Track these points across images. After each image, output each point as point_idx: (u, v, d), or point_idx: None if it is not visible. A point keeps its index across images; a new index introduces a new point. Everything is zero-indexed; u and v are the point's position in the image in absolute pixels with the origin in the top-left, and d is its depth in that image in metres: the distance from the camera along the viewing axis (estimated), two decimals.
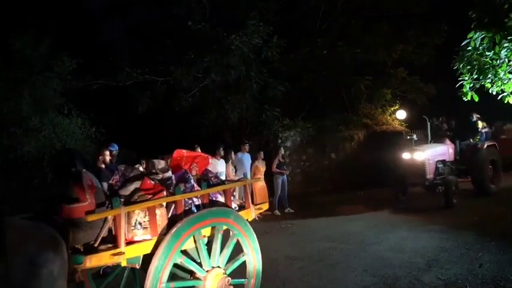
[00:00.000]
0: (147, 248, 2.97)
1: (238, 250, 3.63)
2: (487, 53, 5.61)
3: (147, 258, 2.95)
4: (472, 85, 6.07)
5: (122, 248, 2.78)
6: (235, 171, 8.21)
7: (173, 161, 3.85)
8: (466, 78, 6.08)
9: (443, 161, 8.93)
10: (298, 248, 6.03)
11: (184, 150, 4.03)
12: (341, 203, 9.57)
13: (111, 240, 2.87)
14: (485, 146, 9.49)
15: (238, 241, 3.57)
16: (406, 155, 8.85)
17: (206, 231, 3.33)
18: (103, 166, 5.62)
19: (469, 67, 6.01)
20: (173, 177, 3.49)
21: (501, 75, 5.60)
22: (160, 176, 3.40)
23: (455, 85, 6.32)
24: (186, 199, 3.35)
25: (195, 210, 3.37)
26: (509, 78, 5.58)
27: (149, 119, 12.33)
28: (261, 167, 8.82)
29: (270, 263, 5.36)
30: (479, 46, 5.52)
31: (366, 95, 14.06)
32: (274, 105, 11.63)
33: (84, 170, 3.03)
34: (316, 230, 7.20)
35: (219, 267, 3.35)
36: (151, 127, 12.91)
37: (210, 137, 11.33)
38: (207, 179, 3.82)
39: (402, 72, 14.15)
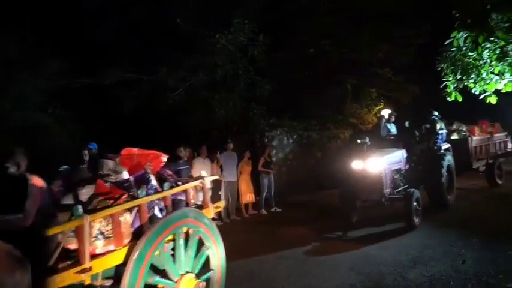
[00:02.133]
0: (114, 260, 2.70)
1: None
2: (470, 54, 5.71)
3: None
4: (456, 85, 6.18)
5: (87, 263, 2.46)
6: (221, 171, 8.14)
7: (122, 160, 3.55)
8: (450, 78, 6.18)
9: (398, 170, 7.40)
10: (284, 247, 6.01)
11: (135, 149, 3.79)
12: (325, 201, 9.61)
13: (64, 255, 2.52)
14: (442, 150, 8.34)
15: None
16: (357, 165, 6.91)
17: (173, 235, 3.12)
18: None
19: (452, 67, 6.12)
20: (131, 178, 3.22)
21: (484, 76, 5.72)
22: (114, 177, 3.12)
23: (440, 85, 6.43)
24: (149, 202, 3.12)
25: (160, 214, 3.17)
26: (491, 79, 5.70)
27: (135, 119, 12.15)
28: (247, 166, 8.79)
29: (256, 262, 5.35)
30: (462, 46, 5.61)
31: (351, 94, 14.18)
32: (261, 104, 11.61)
33: (28, 173, 2.58)
34: (302, 228, 7.20)
35: (188, 272, 3.16)
36: (137, 127, 12.73)
37: (197, 136, 11.24)
38: (165, 179, 3.59)
39: (388, 72, 14.33)
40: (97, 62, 10.81)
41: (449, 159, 8.23)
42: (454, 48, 5.85)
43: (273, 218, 8.41)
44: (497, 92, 5.84)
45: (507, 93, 5.81)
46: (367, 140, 7.49)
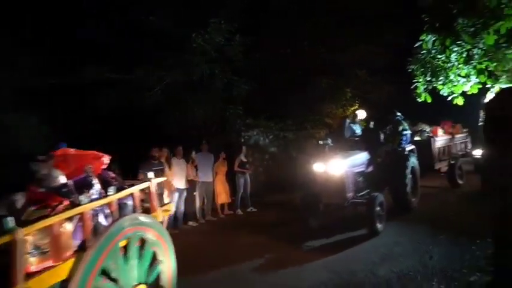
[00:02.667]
0: (54, 278, 2.39)
1: None
2: (439, 56, 5.90)
3: None
4: (425, 86, 6.37)
5: (21, 284, 2.14)
6: (197, 171, 8.08)
7: (56, 162, 3.12)
8: (420, 80, 6.37)
9: (362, 172, 7.15)
10: (258, 247, 6.03)
11: (72, 149, 3.46)
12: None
13: None
14: (406, 151, 8.16)
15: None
16: (319, 167, 6.63)
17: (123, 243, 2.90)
18: None
19: (422, 69, 6.31)
20: (70, 183, 2.89)
21: (451, 78, 5.92)
22: (49, 182, 2.77)
23: (411, 86, 6.62)
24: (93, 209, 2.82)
25: (105, 221, 2.89)
26: (458, 81, 5.91)
27: (112, 119, 11.86)
28: (223, 166, 8.77)
29: (230, 261, 5.33)
30: (431, 49, 5.79)
31: (328, 94, 14.36)
32: (238, 105, 11.59)
33: None
34: (276, 228, 7.24)
35: (141, 283, 2.97)
36: (114, 127, 12.44)
37: (174, 137, 11.10)
38: (108, 182, 3.28)
39: (364, 73, 14.61)
40: (72, 60, 10.50)
41: (413, 160, 8.09)
42: (424, 51, 6.05)
43: (248, 219, 8.42)
44: (463, 94, 6.07)
45: (473, 94, 6.04)
46: (329, 141, 7.40)
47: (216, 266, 5.08)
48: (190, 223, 7.86)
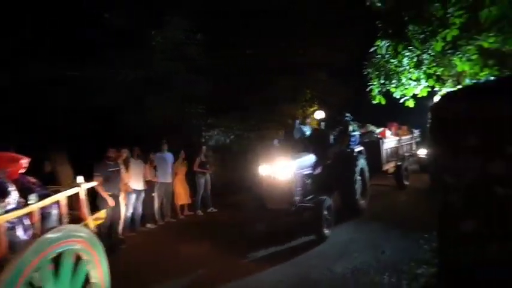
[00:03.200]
0: None
1: None
2: (392, 61, 6.18)
3: None
4: (380, 89, 6.66)
5: None
6: (155, 172, 7.89)
7: None
8: (375, 82, 6.64)
9: (310, 175, 6.95)
10: (217, 246, 6.01)
11: None
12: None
13: None
14: (355, 152, 8.10)
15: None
16: (264, 170, 6.38)
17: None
18: None
19: (377, 73, 6.56)
20: None
21: (403, 81, 6.22)
22: None
23: (366, 88, 6.89)
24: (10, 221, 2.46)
25: (24, 235, 2.55)
26: (410, 84, 6.23)
27: (64, 118, 11.23)
28: (182, 167, 8.63)
29: (185, 267, 5.26)
30: (385, 54, 6.07)
31: (288, 95, 14.60)
32: (200, 104, 11.47)
33: None
34: (235, 229, 7.22)
35: None
36: (66, 126, 11.78)
37: (131, 136, 10.75)
38: (28, 188, 2.89)
39: (321, 74, 15.02)
40: (14, 54, 9.80)
41: (362, 162, 8.00)
42: (379, 56, 6.31)
43: (208, 219, 8.36)
44: (415, 96, 6.41)
45: (423, 97, 6.40)
46: (276, 142, 7.56)
47: (170, 273, 4.98)
48: (149, 225, 7.68)
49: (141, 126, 11.24)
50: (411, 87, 6.22)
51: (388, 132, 10.60)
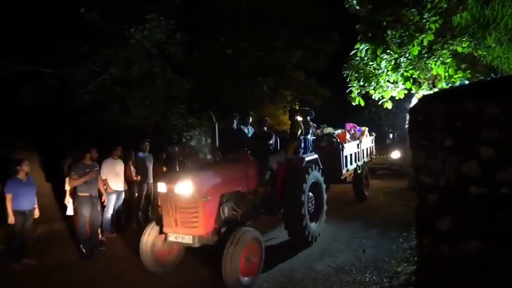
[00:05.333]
0: None
1: None
2: (371, 63, 6.35)
3: None
4: (359, 91, 6.82)
5: None
6: (135, 172, 7.78)
7: None
8: (355, 84, 6.80)
9: (237, 194, 5.19)
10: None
11: None
12: None
13: None
14: (304, 163, 6.31)
15: None
16: (162, 188, 4.65)
17: None
18: None
19: (356, 75, 6.73)
20: None
21: (382, 83, 6.40)
22: None
23: (346, 90, 7.04)
24: None
25: None
26: (388, 86, 6.41)
27: (38, 117, 10.90)
28: (163, 167, 8.54)
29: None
30: (364, 56, 6.22)
31: (268, 96, 14.71)
32: (180, 104, 11.38)
33: None
34: None
35: None
36: (40, 126, 11.44)
37: (109, 136, 10.55)
38: None
39: (301, 75, 15.24)
40: None
41: (315, 175, 6.23)
42: (358, 58, 6.47)
43: None
44: (392, 98, 6.60)
45: (400, 99, 6.61)
46: (186, 150, 5.54)
47: (149, 275, 4.86)
48: (134, 225, 7.56)
49: (119, 125, 11.06)
50: (389, 89, 6.41)
51: (348, 135, 9.13)
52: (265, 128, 6.78)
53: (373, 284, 4.24)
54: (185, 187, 4.45)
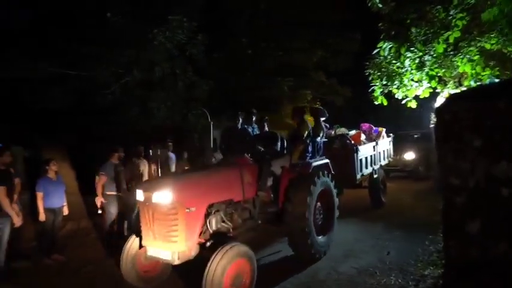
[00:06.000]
0: None
1: None
2: (394, 62, 6.23)
3: None
4: (382, 90, 6.71)
5: None
6: (159, 171, 7.94)
7: None
8: (377, 83, 6.69)
9: (229, 204, 4.60)
10: None
11: None
12: None
13: None
14: (311, 169, 5.49)
15: None
16: (140, 195, 4.14)
17: None
18: None
19: (379, 74, 6.61)
20: None
21: (405, 82, 6.27)
22: None
23: (368, 89, 6.94)
24: None
25: None
26: (412, 85, 6.28)
27: (64, 117, 11.29)
28: (185, 166, 8.68)
29: None
30: (387, 55, 6.12)
31: (288, 95, 14.66)
32: (200, 105, 11.52)
33: None
34: None
35: None
36: (66, 126, 11.85)
37: (131, 137, 10.79)
38: None
39: (321, 75, 15.11)
40: (18, 53, 9.84)
41: (324, 181, 5.56)
42: (381, 57, 6.36)
43: None
44: (416, 97, 6.46)
45: (424, 98, 6.46)
46: (185, 155, 4.80)
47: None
48: None
49: (141, 126, 11.29)
50: (413, 88, 6.27)
51: (363, 136, 8.47)
52: (266, 128, 6.38)
53: (398, 287, 4.17)
54: (164, 195, 3.81)
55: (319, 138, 6.01)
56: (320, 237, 5.36)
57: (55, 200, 5.68)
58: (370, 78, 6.77)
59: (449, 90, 6.05)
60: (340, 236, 6.24)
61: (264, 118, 6.51)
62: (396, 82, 6.37)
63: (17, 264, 5.32)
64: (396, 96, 6.59)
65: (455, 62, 5.59)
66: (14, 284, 4.76)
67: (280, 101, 14.72)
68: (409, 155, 13.34)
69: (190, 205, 3.94)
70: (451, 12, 5.16)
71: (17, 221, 5.06)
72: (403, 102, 6.63)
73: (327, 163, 6.10)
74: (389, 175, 12.18)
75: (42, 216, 5.53)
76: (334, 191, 5.95)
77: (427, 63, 5.76)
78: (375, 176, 8.41)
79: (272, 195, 5.19)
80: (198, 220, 4.07)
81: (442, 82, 6.14)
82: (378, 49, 6.06)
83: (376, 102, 6.83)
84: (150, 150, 8.01)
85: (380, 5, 6.03)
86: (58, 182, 5.84)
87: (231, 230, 4.47)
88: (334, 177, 5.97)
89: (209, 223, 4.25)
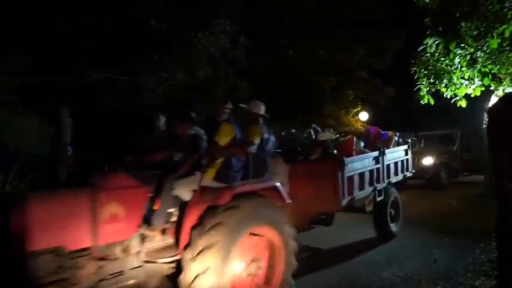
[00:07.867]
0: None
1: None
2: (442, 59, 5.93)
3: None
4: (428, 89, 6.40)
5: None
6: None
7: None
8: (423, 82, 6.39)
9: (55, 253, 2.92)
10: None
11: None
12: None
13: None
14: (231, 196, 3.47)
15: None
16: None
17: None
18: None
19: (425, 72, 6.32)
20: None
21: (455, 81, 5.94)
22: None
23: (413, 88, 6.65)
24: None
25: None
26: (462, 84, 5.93)
27: (112, 120, 11.89)
28: None
29: None
30: (434, 52, 5.82)
31: (330, 96, 14.44)
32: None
33: None
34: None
35: None
36: (114, 128, 12.46)
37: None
38: None
39: (364, 74, 14.71)
40: (72, 59, 10.50)
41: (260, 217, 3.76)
42: (428, 54, 6.07)
43: None
44: (467, 96, 6.09)
45: (476, 97, 6.07)
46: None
47: None
48: None
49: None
50: (463, 86, 5.92)
51: (360, 143, 6.38)
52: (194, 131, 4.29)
53: None
54: None
55: (254, 146, 3.84)
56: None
57: None
58: (415, 77, 6.50)
59: (505, 88, 5.65)
60: (382, 241, 6.02)
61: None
62: (444, 80, 6.05)
63: None
64: (445, 96, 6.27)
65: (511, 58, 5.21)
66: None
67: (322, 101, 14.53)
68: (427, 160, 11.78)
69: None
70: (506, 4, 4.81)
71: None
72: (452, 101, 6.29)
73: (274, 186, 3.84)
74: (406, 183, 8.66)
75: None
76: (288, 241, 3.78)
77: (479, 59, 5.41)
78: (379, 198, 6.06)
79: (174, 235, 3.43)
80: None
81: (497, 79, 5.74)
82: (424, 46, 5.78)
83: (422, 102, 6.54)
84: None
85: (426, 0, 5.75)
86: None
87: None
88: (296, 205, 4.02)
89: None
